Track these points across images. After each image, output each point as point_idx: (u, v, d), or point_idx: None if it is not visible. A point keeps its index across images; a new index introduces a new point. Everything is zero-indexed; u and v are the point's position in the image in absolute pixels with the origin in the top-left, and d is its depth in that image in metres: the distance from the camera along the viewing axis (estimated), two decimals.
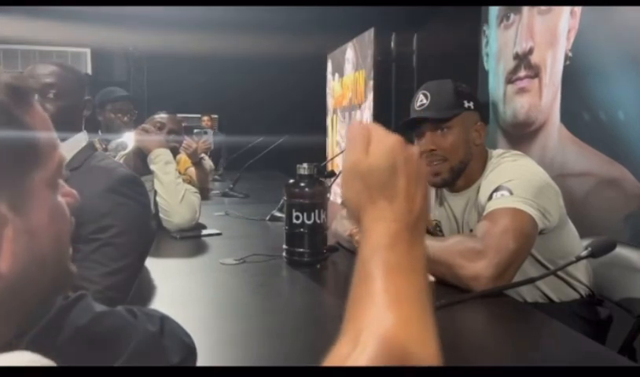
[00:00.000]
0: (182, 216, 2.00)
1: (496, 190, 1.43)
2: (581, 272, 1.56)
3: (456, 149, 1.56)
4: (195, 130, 5.53)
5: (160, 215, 2.02)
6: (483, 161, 1.60)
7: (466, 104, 1.57)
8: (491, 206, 1.40)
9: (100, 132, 2.97)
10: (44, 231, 0.49)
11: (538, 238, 1.42)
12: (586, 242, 1.53)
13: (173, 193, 2.00)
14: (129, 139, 2.27)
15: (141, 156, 2.11)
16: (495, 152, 1.62)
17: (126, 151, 2.29)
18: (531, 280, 1.25)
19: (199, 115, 6.09)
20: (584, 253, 1.12)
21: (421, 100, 1.58)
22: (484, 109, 1.58)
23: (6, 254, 0.46)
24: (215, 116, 6.37)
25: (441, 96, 1.57)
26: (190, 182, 2.26)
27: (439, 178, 1.59)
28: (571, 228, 1.58)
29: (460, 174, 1.59)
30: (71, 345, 0.55)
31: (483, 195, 1.48)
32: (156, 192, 2.03)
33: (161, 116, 2.33)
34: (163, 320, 0.66)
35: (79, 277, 1.14)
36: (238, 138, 4.04)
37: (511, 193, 1.39)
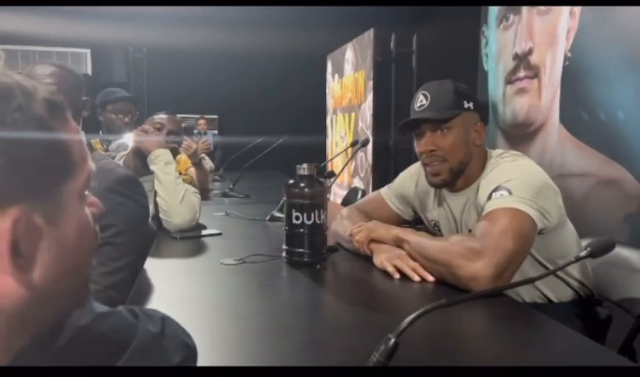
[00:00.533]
0: (182, 216, 2.00)
1: (495, 190, 1.43)
2: (580, 273, 1.57)
3: (456, 150, 1.56)
4: (195, 131, 5.54)
5: (160, 216, 2.02)
6: (483, 161, 1.60)
7: (466, 105, 1.57)
8: (490, 206, 1.40)
9: (101, 132, 2.97)
10: (72, 241, 0.50)
11: (538, 238, 1.42)
12: (585, 242, 1.53)
13: (173, 194, 2.00)
14: (129, 140, 2.27)
15: (140, 157, 2.11)
16: (495, 152, 1.63)
17: (126, 151, 2.29)
18: (530, 280, 1.25)
19: (198, 116, 6.09)
20: (583, 253, 1.11)
21: (421, 100, 1.58)
22: (484, 110, 1.59)
23: (39, 265, 0.47)
24: (215, 117, 6.37)
25: (441, 96, 1.57)
26: (191, 183, 2.26)
27: (438, 179, 1.60)
28: (570, 228, 1.58)
29: (460, 175, 1.59)
30: (72, 346, 0.55)
31: (482, 195, 1.49)
32: (156, 193, 2.03)
33: (160, 117, 2.33)
34: (165, 320, 0.66)
35: None
36: (238, 138, 4.04)
37: (510, 193, 1.39)
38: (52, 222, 0.48)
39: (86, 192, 0.54)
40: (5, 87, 0.47)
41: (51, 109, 0.49)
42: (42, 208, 0.47)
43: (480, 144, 1.60)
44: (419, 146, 1.60)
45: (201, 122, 6.12)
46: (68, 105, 0.53)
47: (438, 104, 1.56)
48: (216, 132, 6.20)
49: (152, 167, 2.04)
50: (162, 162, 2.04)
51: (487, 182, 1.50)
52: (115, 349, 0.59)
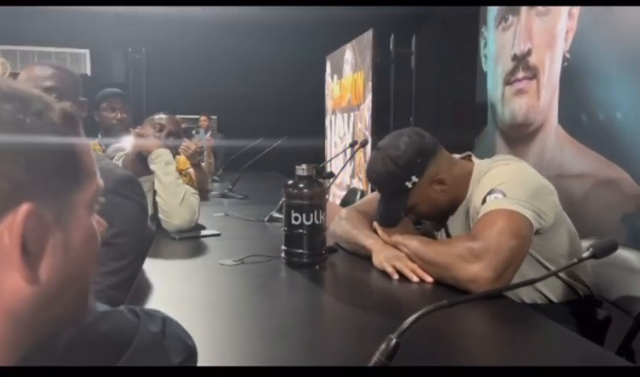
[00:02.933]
0: (182, 217, 1.99)
1: (490, 193, 1.43)
2: (582, 273, 1.57)
3: (427, 212, 1.62)
4: (193, 131, 5.54)
5: (160, 216, 2.01)
6: (466, 178, 1.58)
7: (409, 185, 1.53)
8: (486, 209, 1.41)
9: (100, 135, 2.98)
10: (78, 249, 0.52)
11: (536, 237, 1.42)
12: (586, 243, 1.53)
13: (173, 194, 2.00)
14: (127, 142, 2.27)
15: (139, 157, 2.11)
16: (484, 161, 1.62)
17: (124, 152, 2.29)
18: (531, 282, 1.25)
19: (197, 117, 6.09)
20: (586, 254, 1.11)
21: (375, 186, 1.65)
22: (432, 148, 1.58)
23: (45, 265, 0.49)
24: (214, 117, 6.37)
25: (384, 184, 1.59)
26: (191, 182, 2.25)
27: (426, 221, 1.70)
28: (569, 227, 1.58)
29: (445, 212, 1.62)
30: (74, 344, 0.55)
31: (476, 200, 1.49)
32: (155, 193, 2.03)
33: (160, 117, 2.32)
34: (166, 320, 0.67)
35: None
36: (237, 139, 4.04)
37: (505, 195, 1.40)
38: (60, 225, 0.50)
39: (95, 207, 0.56)
40: (28, 94, 0.51)
41: (66, 120, 0.53)
42: (52, 210, 0.49)
43: (449, 180, 1.56)
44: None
45: (202, 118, 6.08)
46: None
47: (386, 193, 1.60)
48: (209, 132, 6.19)
49: (152, 167, 2.04)
50: (162, 162, 2.04)
51: (480, 187, 1.50)
52: (117, 349, 0.59)
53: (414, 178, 1.53)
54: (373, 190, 1.79)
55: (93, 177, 0.55)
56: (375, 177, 1.60)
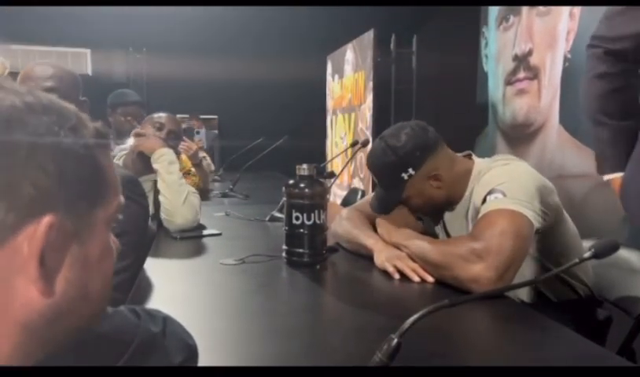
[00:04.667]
0: (185, 216, 1.99)
1: (489, 193, 1.43)
2: (582, 273, 1.57)
3: (420, 206, 1.62)
4: (195, 130, 5.54)
5: (162, 215, 2.01)
6: (465, 174, 1.59)
7: (405, 176, 1.55)
8: (487, 209, 1.41)
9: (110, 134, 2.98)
10: (94, 266, 0.53)
11: (536, 237, 1.43)
12: (587, 243, 1.53)
13: (176, 193, 2.00)
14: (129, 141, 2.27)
15: (140, 157, 2.11)
16: (485, 160, 1.62)
17: (125, 151, 2.29)
18: (532, 282, 1.25)
19: (188, 115, 6.09)
20: (587, 254, 1.11)
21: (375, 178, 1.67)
22: (433, 143, 1.59)
23: (62, 279, 0.49)
24: (214, 117, 6.37)
25: (382, 174, 1.61)
26: (198, 182, 2.25)
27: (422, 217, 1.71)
28: (569, 226, 1.58)
29: (443, 207, 1.63)
30: (74, 345, 0.55)
31: (477, 199, 1.49)
32: (155, 193, 2.03)
33: (160, 116, 2.33)
34: (166, 320, 0.67)
35: None
36: (238, 139, 4.04)
37: (505, 195, 1.40)
38: (79, 240, 0.51)
39: (113, 224, 0.57)
40: (65, 109, 0.53)
41: (98, 138, 0.54)
42: (74, 223, 0.50)
43: (447, 178, 1.57)
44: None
45: (193, 122, 6.10)
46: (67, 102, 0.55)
47: (383, 182, 1.62)
48: (216, 131, 6.20)
49: (155, 166, 2.04)
50: (166, 162, 2.04)
51: (480, 186, 1.50)
52: (117, 348, 0.59)
53: (411, 171, 1.55)
54: (374, 190, 1.79)
55: (115, 195, 0.56)
56: (373, 165, 1.62)
